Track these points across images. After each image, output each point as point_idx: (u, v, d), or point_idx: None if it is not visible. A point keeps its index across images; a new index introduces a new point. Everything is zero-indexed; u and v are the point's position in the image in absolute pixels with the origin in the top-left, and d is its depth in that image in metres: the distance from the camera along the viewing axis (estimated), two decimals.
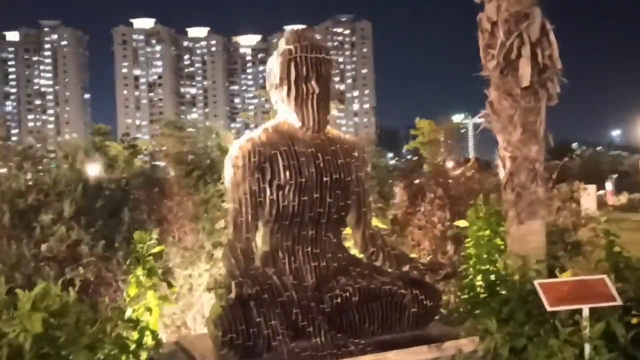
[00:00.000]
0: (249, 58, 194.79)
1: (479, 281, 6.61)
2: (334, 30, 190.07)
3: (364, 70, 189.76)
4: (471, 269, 6.78)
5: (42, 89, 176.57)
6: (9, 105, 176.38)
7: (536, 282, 5.61)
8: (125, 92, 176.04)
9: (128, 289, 5.95)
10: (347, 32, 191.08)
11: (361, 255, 6.29)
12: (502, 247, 6.86)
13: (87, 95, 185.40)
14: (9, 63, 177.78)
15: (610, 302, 5.50)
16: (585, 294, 5.55)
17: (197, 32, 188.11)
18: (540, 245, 6.63)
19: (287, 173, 5.67)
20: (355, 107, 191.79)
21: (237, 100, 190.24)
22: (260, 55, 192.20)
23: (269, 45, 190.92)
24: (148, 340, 5.81)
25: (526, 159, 6.60)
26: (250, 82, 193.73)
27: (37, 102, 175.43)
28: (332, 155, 5.91)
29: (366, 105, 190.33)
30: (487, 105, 6.95)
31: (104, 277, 6.03)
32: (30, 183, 6.37)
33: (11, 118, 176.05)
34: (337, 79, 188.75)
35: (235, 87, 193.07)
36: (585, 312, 5.42)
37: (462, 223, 7.08)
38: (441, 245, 7.77)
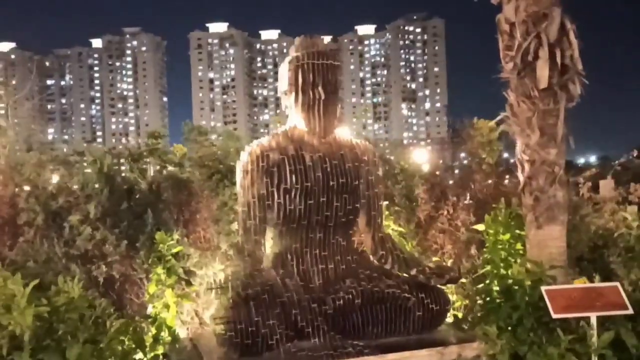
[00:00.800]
0: None
1: (496, 286, 6.53)
2: (406, 28, 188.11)
3: (436, 69, 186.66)
4: (490, 274, 6.71)
5: (124, 93, 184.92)
6: (94, 109, 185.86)
7: (543, 289, 5.52)
8: (200, 94, 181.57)
9: (148, 287, 6.30)
10: (419, 30, 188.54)
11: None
12: (522, 251, 6.75)
13: (165, 99, 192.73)
14: (94, 69, 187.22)
15: (620, 310, 5.33)
16: (595, 301, 5.40)
17: (269, 34, 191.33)
18: (560, 250, 6.47)
19: (294, 177, 5.84)
20: (427, 106, 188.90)
21: None
22: None
23: (339, 45, 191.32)
24: (165, 335, 6.13)
25: (544, 162, 6.47)
26: None
27: (119, 105, 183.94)
28: (339, 160, 6.03)
29: (438, 104, 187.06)
30: (506, 107, 6.85)
31: (129, 275, 6.41)
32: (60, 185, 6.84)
33: (95, 121, 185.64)
34: (407, 77, 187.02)
35: None
36: (593, 320, 5.29)
37: (480, 227, 7.01)
38: (466, 249, 7.70)
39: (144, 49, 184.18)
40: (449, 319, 6.55)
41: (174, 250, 6.37)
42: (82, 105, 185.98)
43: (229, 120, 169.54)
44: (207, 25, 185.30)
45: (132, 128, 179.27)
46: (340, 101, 6.12)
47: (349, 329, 5.59)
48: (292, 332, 5.28)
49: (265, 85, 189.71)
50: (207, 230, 7.13)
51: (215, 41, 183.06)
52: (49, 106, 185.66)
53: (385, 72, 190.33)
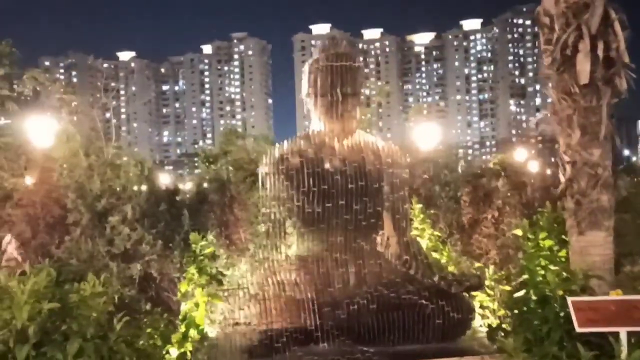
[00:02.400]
0: (422, 56, 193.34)
1: (533, 295, 6.17)
2: (514, 21, 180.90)
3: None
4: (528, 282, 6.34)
5: (232, 96, 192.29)
6: (204, 112, 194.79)
7: (569, 300, 5.15)
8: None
9: (180, 286, 6.55)
10: (529, 22, 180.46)
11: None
12: (566, 259, 6.32)
13: (270, 101, 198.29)
14: (205, 74, 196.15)
15: None
16: (629, 315, 4.96)
17: (371, 33, 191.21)
18: (604, 259, 6.00)
19: (312, 180, 5.84)
20: (537, 101, 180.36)
21: (411, 99, 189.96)
22: (434, 53, 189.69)
23: (443, 42, 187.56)
24: (194, 333, 6.33)
25: (586, 164, 6.02)
26: (424, 81, 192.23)
27: (227, 108, 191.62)
28: (360, 162, 5.96)
29: (549, 100, 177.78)
30: (548, 106, 6.45)
31: (165, 273, 6.70)
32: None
33: (206, 123, 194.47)
34: (516, 72, 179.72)
35: (409, 87, 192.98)
36: (623, 336, 4.86)
37: (518, 231, 6.63)
38: (515, 255, 7.31)
39: (250, 53, 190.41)
40: (484, 328, 6.27)
41: (207, 251, 6.55)
42: (194, 109, 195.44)
43: None
44: (311, 27, 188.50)
45: (239, 130, 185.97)
46: (361, 103, 6.03)
47: (364, 335, 5.51)
48: (301, 336, 5.29)
49: (368, 84, 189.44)
50: (247, 231, 7.29)
51: (318, 42, 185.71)
52: (164, 110, 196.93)
53: (492, 67, 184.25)
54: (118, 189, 7.22)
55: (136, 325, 5.89)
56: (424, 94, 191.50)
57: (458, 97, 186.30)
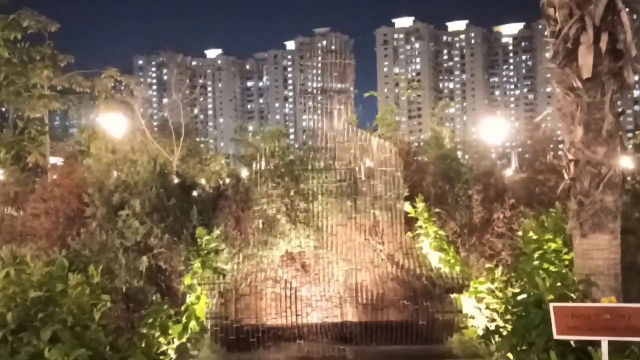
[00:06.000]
0: (510, 48, 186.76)
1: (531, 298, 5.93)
2: None
3: None
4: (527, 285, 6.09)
5: (314, 91, 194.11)
6: (287, 107, 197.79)
7: (551, 305, 4.93)
8: (385, 90, 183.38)
9: (184, 279, 6.79)
10: (627, 9, 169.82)
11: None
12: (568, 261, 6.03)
13: None
14: (288, 70, 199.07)
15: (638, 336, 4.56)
16: (613, 324, 4.69)
17: (456, 25, 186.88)
18: (609, 263, 5.67)
19: (304, 177, 5.91)
20: (636, 93, 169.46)
21: (497, 92, 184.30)
22: (523, 44, 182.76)
23: (532, 32, 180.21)
24: (194, 325, 6.56)
25: (590, 162, 5.70)
26: (512, 73, 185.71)
27: (310, 103, 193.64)
28: (352, 160, 5.96)
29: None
30: (554, 101, 6.17)
31: (174, 266, 6.96)
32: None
33: (289, 118, 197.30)
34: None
35: (495, 79, 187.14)
36: (604, 346, 4.60)
37: (519, 233, 6.37)
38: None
39: (332, 48, 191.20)
40: (481, 331, 6.10)
41: (211, 245, 6.77)
42: (277, 104, 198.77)
43: (413, 115, 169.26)
44: (393, 20, 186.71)
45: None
46: (351, 99, 6.03)
47: (346, 333, 5.52)
48: (279, 332, 5.37)
49: (452, 77, 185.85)
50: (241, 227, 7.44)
51: (401, 36, 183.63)
52: (249, 106, 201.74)
53: None
54: (132, 183, 7.58)
55: (138, 317, 6.17)
56: (512, 86, 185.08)
57: (549, 89, 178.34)
